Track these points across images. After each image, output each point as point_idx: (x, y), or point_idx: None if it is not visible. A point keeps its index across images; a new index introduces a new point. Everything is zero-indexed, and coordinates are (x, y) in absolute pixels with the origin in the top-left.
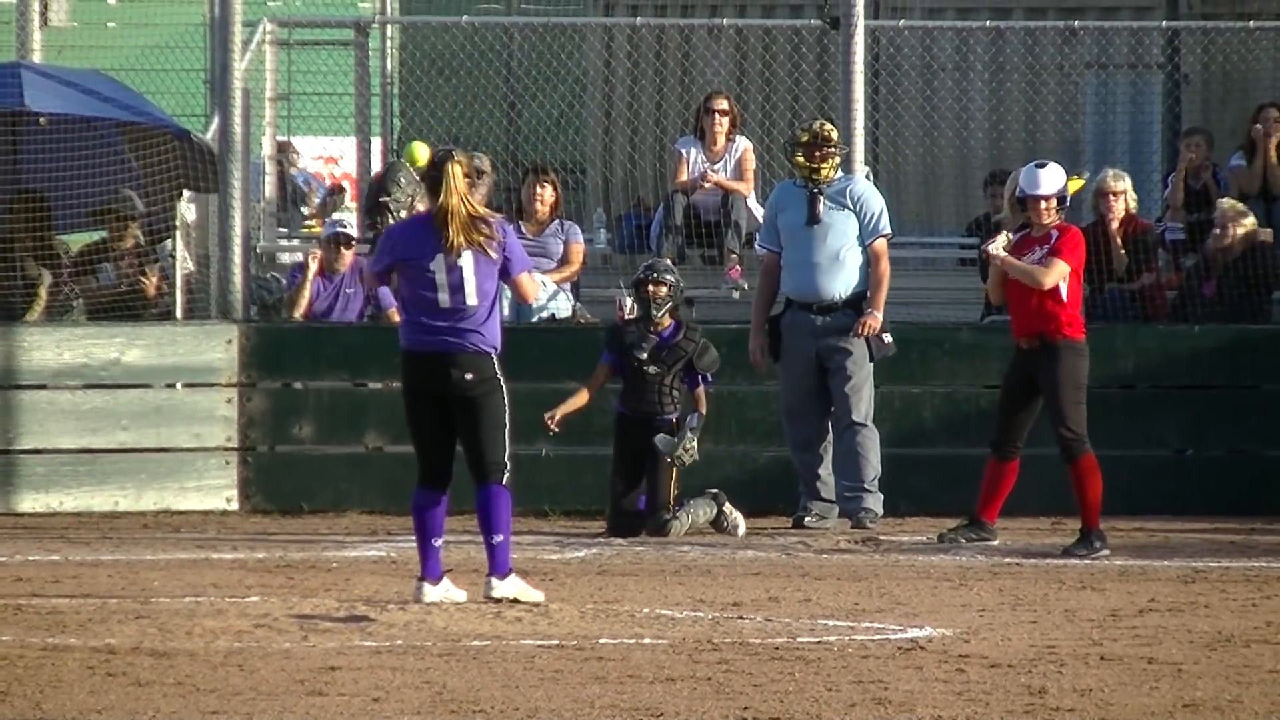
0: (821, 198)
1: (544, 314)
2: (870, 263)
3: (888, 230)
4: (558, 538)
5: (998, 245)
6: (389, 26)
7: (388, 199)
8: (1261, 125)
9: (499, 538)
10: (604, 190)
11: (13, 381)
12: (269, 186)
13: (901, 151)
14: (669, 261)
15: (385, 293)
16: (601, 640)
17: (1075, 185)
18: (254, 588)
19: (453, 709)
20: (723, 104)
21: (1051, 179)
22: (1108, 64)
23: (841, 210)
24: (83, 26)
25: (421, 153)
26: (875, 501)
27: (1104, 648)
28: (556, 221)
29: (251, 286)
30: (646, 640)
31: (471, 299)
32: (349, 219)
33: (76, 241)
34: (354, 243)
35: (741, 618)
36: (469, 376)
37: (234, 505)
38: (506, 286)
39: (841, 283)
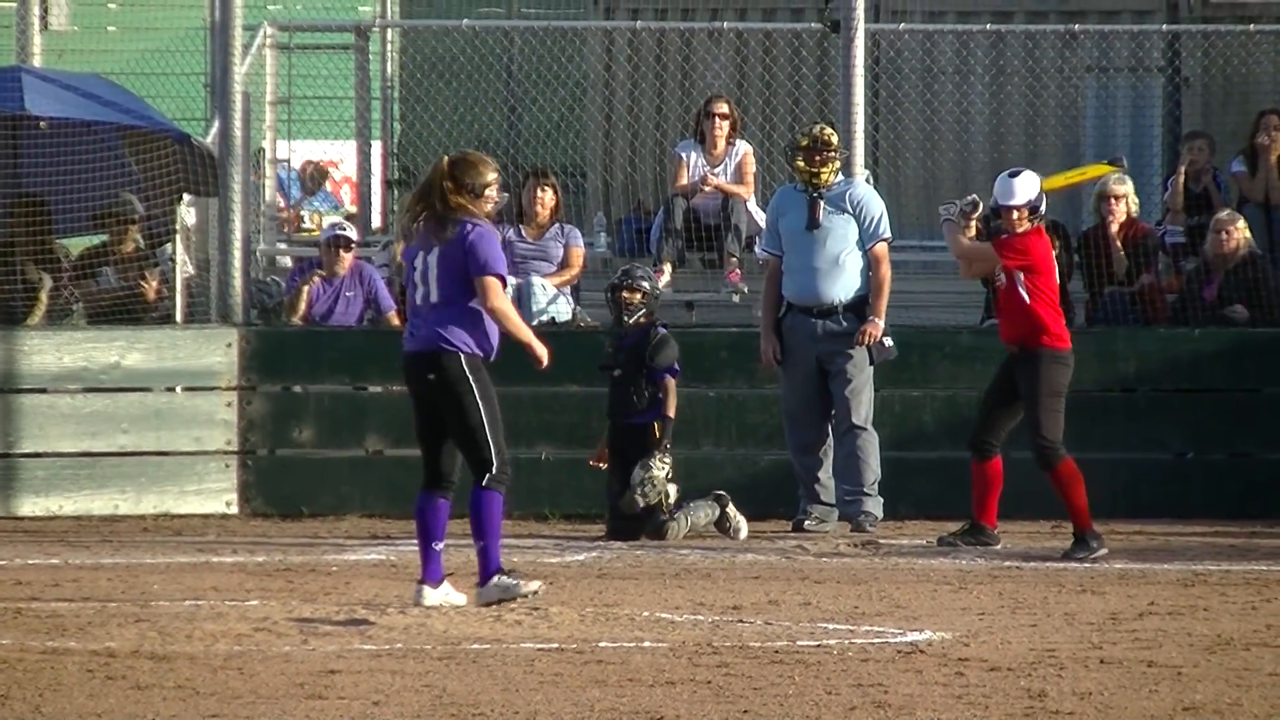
0: (821, 202)
1: (544, 317)
2: (870, 267)
3: (888, 234)
4: (558, 541)
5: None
6: (389, 30)
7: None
8: (1264, 133)
9: (479, 543)
10: (604, 194)
11: (13, 385)
12: (269, 190)
13: (902, 155)
14: (647, 268)
15: (386, 296)
16: (601, 643)
17: (1098, 172)
18: (254, 591)
19: (452, 713)
20: (723, 107)
21: (1025, 188)
22: (1108, 67)
23: (841, 214)
24: (83, 30)
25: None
26: (875, 505)
27: (1104, 651)
28: (557, 225)
29: (251, 290)
30: (646, 643)
31: (433, 295)
32: (348, 222)
33: (76, 245)
34: (353, 245)
35: (741, 621)
36: (431, 376)
37: (234, 509)
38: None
39: (841, 287)
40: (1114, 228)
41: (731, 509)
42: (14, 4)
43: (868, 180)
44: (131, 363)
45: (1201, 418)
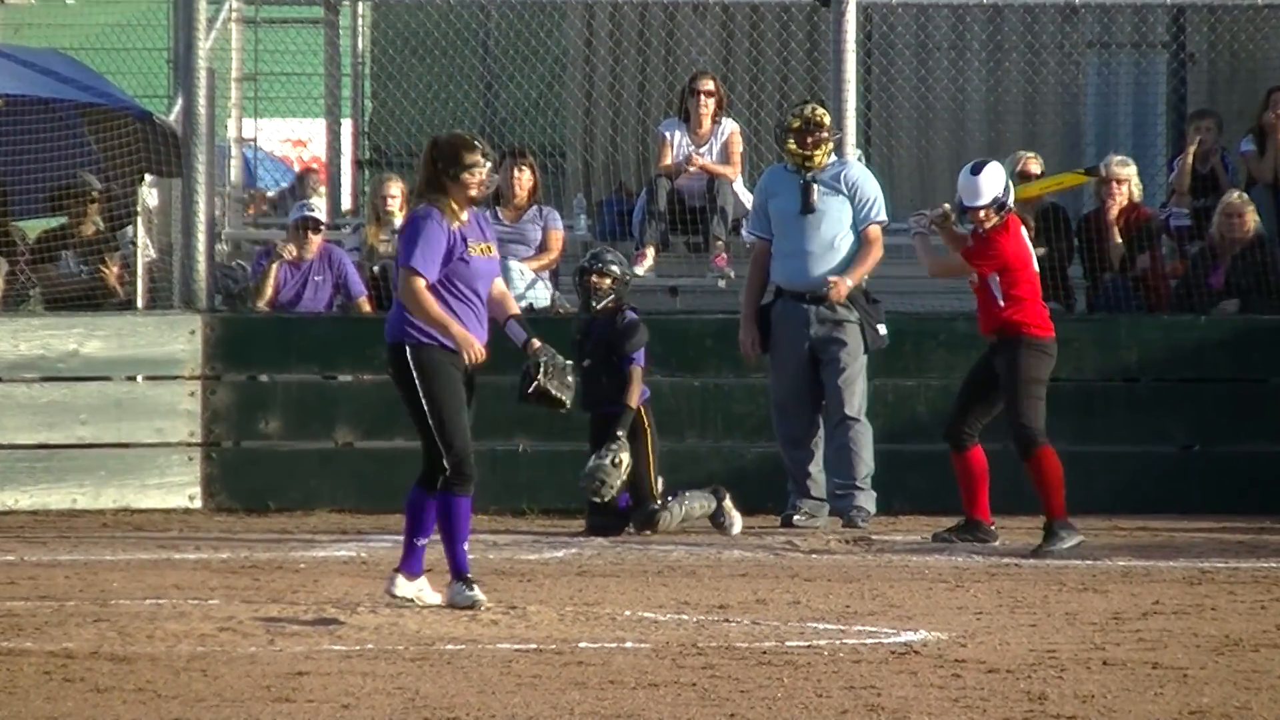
0: (816, 186)
1: (522, 304)
2: (861, 244)
3: (883, 218)
4: (536, 537)
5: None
6: (360, 4)
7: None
8: (1273, 112)
9: (445, 546)
10: (584, 175)
11: None
12: (234, 171)
13: (895, 134)
14: (618, 253)
15: (356, 281)
16: (581, 644)
17: (1074, 181)
18: (218, 589)
19: (426, 716)
20: (708, 84)
21: (990, 184)
22: (1110, 43)
23: (835, 196)
24: (41, 4)
25: None
26: (868, 500)
27: (1106, 652)
28: (535, 207)
29: (216, 275)
30: (628, 644)
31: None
32: (318, 202)
33: (34, 228)
34: (322, 227)
35: (728, 621)
36: (390, 369)
37: (197, 503)
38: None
39: (835, 272)
40: (1113, 213)
41: (728, 503)
42: None
43: (860, 160)
44: (90, 351)
45: (1207, 409)
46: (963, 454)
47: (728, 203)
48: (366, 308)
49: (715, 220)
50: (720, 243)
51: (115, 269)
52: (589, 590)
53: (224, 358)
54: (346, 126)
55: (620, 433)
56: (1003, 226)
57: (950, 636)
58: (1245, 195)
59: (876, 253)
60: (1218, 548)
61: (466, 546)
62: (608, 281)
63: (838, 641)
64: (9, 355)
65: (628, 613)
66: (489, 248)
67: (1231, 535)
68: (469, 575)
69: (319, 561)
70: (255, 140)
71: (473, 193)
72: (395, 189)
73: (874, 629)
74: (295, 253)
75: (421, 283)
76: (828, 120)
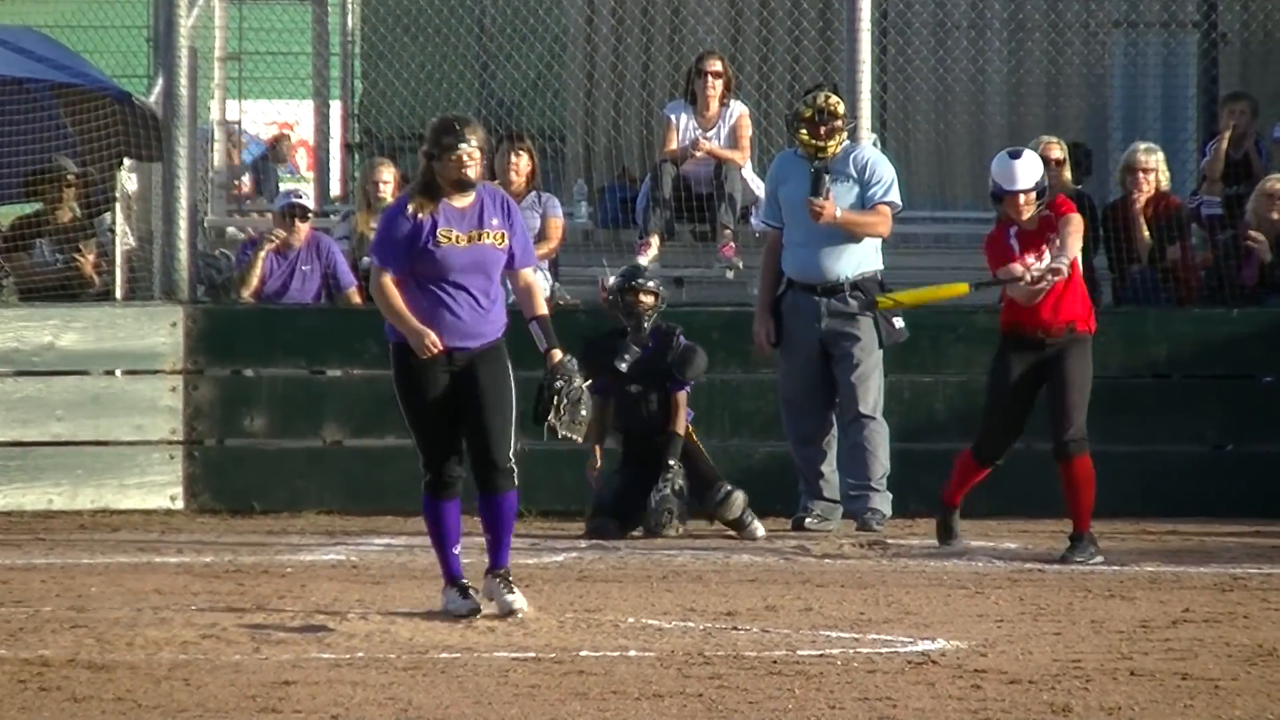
0: (827, 176)
1: None
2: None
3: (896, 201)
4: (534, 540)
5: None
6: None
7: None
8: None
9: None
10: (585, 160)
11: None
12: (218, 155)
13: (912, 118)
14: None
15: (345, 270)
16: (582, 652)
17: (952, 292)
18: (201, 594)
19: None
20: (716, 65)
21: (1031, 170)
22: (1138, 22)
23: (846, 182)
24: None
25: None
26: (883, 501)
27: (1134, 662)
28: (533, 194)
29: (198, 264)
30: (632, 653)
31: None
32: (304, 189)
33: (8, 215)
34: (310, 215)
35: (736, 628)
36: None
37: (179, 504)
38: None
39: (847, 262)
40: (1140, 202)
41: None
42: None
43: (875, 145)
44: (67, 344)
45: (1240, 406)
46: (982, 469)
47: (736, 189)
48: (356, 299)
49: (723, 208)
50: (728, 231)
51: (92, 258)
52: (590, 596)
53: (207, 351)
54: (335, 109)
55: (672, 461)
56: (1062, 206)
57: (970, 645)
58: None
59: (880, 224)
60: (1251, 552)
61: (458, 550)
62: (652, 299)
63: (851, 651)
64: None
65: (631, 620)
66: (474, 236)
67: (1265, 539)
68: (464, 581)
69: (306, 565)
70: (239, 123)
71: (455, 175)
72: (387, 174)
73: (889, 637)
74: (281, 239)
75: (386, 276)
76: (841, 109)
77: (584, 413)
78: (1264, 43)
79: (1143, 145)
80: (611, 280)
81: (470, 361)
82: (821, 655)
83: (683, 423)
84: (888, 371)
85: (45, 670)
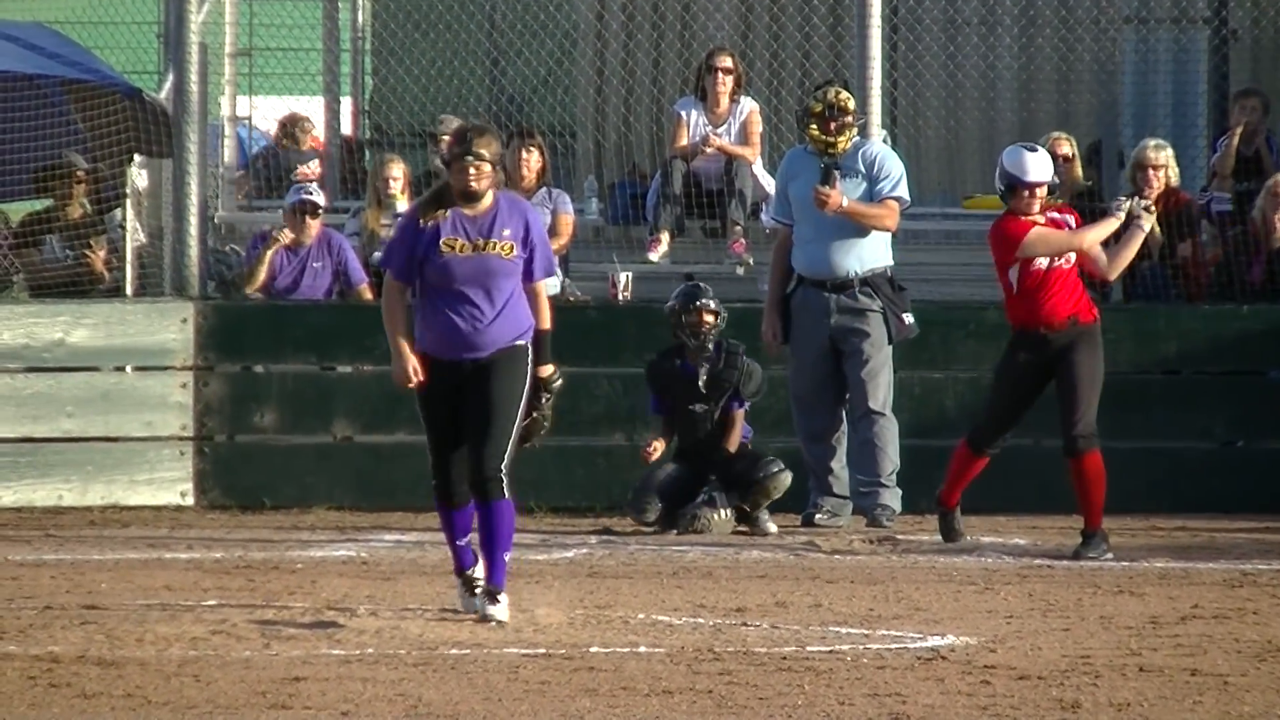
0: (837, 173)
1: None
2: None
3: (905, 197)
4: (544, 536)
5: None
6: None
7: None
8: None
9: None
10: (596, 156)
11: None
12: (228, 151)
13: (922, 114)
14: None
15: (356, 267)
16: (592, 649)
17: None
18: (211, 590)
19: None
20: (726, 61)
21: (1043, 165)
22: (1148, 18)
23: (855, 178)
24: None
25: None
26: (893, 498)
27: (1143, 658)
28: (544, 190)
29: (209, 260)
30: (642, 649)
31: None
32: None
33: (17, 211)
34: (321, 211)
35: (745, 625)
36: None
37: (189, 500)
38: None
39: (857, 259)
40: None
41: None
42: None
43: (885, 141)
44: (77, 340)
45: (1250, 402)
46: (977, 458)
47: (746, 186)
48: (367, 295)
49: (733, 204)
50: (738, 228)
51: (103, 254)
52: (600, 592)
53: (217, 347)
54: (346, 105)
55: (713, 476)
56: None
57: (979, 641)
58: None
59: (887, 218)
60: (1260, 549)
61: (464, 542)
62: (714, 318)
63: (861, 647)
64: None
65: (641, 616)
66: (480, 245)
67: (1275, 535)
68: (469, 573)
69: (316, 562)
70: (250, 119)
71: (460, 185)
72: (397, 170)
73: (899, 633)
74: (291, 237)
75: (392, 282)
76: (852, 105)
77: (547, 425)
78: (1275, 39)
79: (1152, 142)
80: (670, 301)
81: (481, 368)
82: (831, 651)
83: (737, 440)
84: (898, 368)
85: (55, 666)
